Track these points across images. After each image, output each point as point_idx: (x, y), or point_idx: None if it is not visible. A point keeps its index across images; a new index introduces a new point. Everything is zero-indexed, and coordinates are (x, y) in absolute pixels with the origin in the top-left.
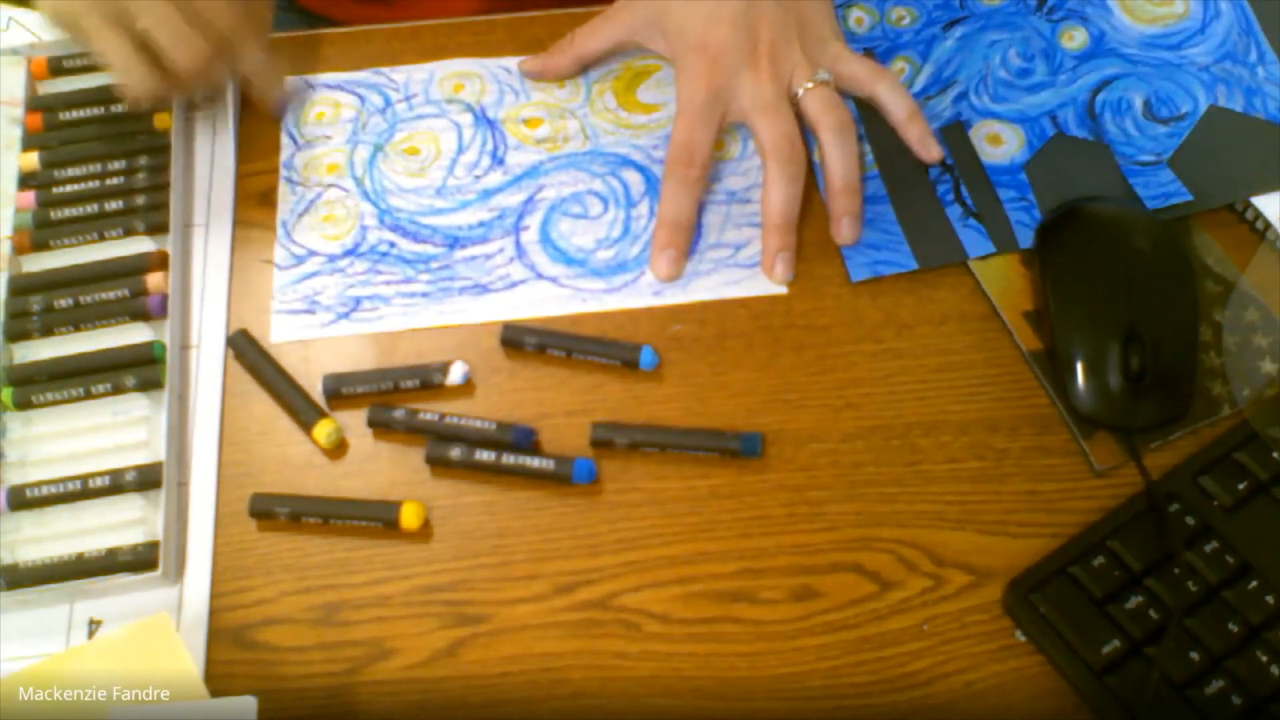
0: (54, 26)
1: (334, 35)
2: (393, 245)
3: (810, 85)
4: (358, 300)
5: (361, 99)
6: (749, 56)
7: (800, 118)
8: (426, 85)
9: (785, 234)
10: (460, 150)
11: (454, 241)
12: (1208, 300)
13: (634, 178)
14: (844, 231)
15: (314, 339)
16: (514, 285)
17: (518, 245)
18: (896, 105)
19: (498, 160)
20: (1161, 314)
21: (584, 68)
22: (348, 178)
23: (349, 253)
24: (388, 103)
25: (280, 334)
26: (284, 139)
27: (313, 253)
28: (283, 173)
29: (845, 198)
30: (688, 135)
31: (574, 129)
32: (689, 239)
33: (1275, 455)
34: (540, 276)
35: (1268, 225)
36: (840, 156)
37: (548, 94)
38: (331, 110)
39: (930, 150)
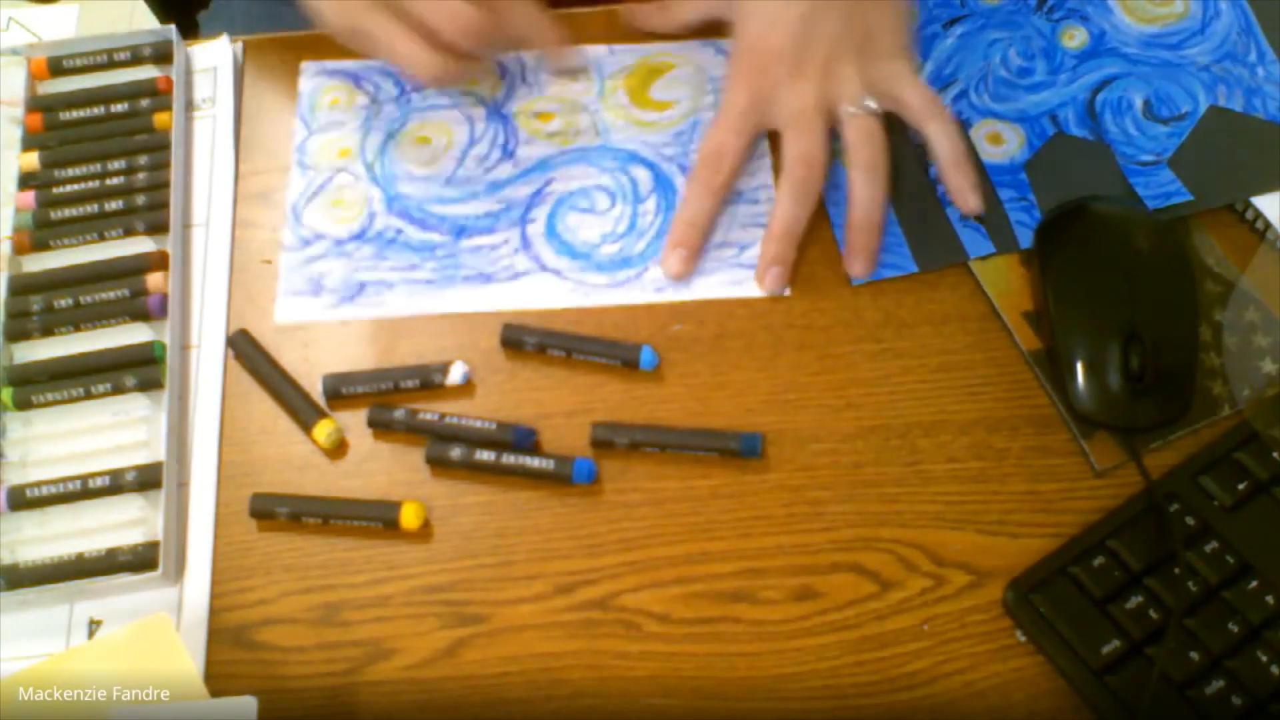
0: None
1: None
2: (400, 232)
3: (855, 111)
4: (363, 285)
5: (376, 87)
6: (798, 67)
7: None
8: None
9: (782, 246)
10: (471, 142)
11: (460, 231)
12: (1208, 300)
13: (643, 174)
14: (855, 266)
15: (315, 326)
16: (517, 276)
17: (523, 237)
18: (944, 147)
19: (508, 153)
20: (1161, 314)
21: (684, 29)
22: (358, 163)
23: (356, 237)
24: (401, 91)
25: (284, 315)
26: (296, 123)
27: (320, 236)
28: (294, 156)
29: (863, 234)
30: (720, 140)
31: (585, 123)
32: (703, 240)
33: (1275, 455)
34: (544, 269)
35: (1268, 225)
36: (866, 193)
37: (562, 88)
38: (345, 96)
39: (969, 201)
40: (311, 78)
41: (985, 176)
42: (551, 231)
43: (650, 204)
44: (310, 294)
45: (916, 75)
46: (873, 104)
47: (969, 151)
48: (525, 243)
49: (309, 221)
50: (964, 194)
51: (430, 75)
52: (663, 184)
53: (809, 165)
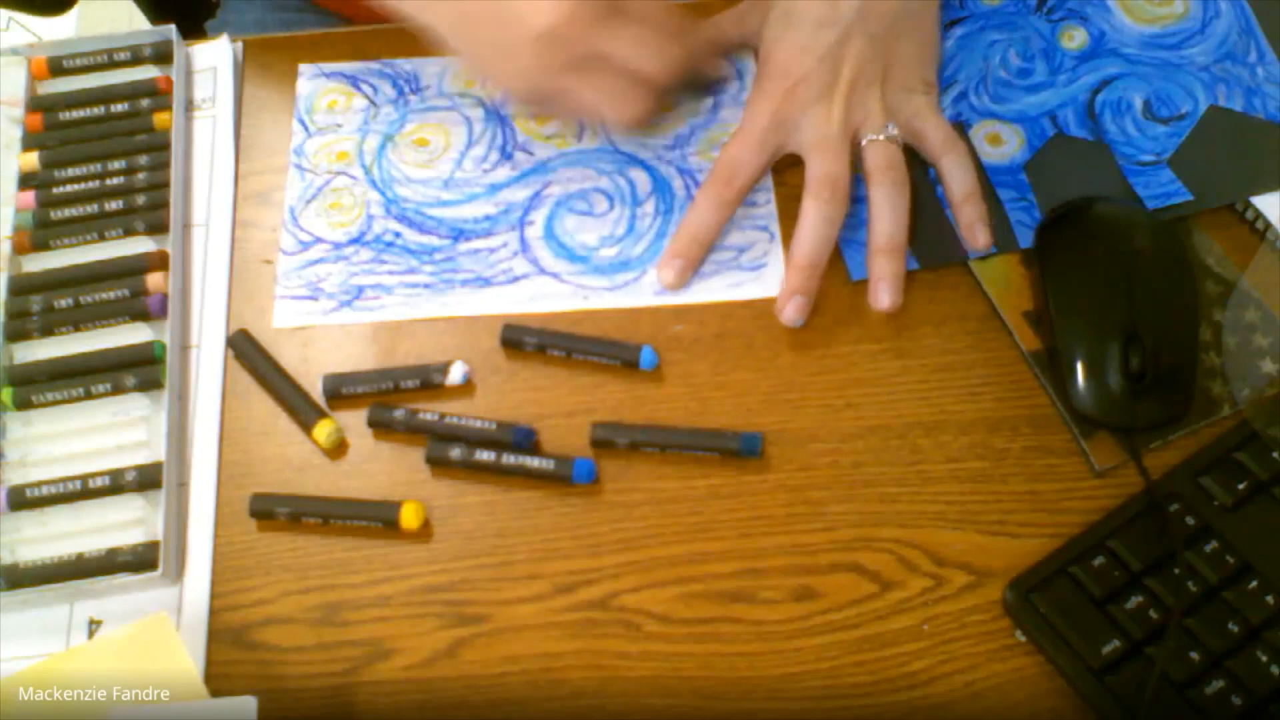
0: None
1: (343, 34)
2: (398, 235)
3: (877, 138)
4: (361, 289)
5: (374, 89)
6: (825, 93)
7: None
8: (439, 78)
9: (807, 277)
10: (470, 144)
11: (458, 234)
12: (1208, 300)
13: (641, 176)
14: (881, 296)
15: (315, 327)
16: (516, 280)
17: (522, 240)
18: (957, 182)
19: (506, 155)
20: (1161, 314)
21: (723, 53)
22: (356, 166)
23: (354, 241)
24: (400, 94)
25: (282, 319)
26: (295, 125)
27: (318, 239)
28: (292, 159)
29: (886, 259)
30: (735, 155)
31: (584, 126)
32: (703, 254)
33: (1275, 455)
34: (543, 272)
35: (1268, 225)
36: (888, 215)
37: None
38: (344, 99)
39: (978, 237)
40: (309, 80)
41: (985, 177)
42: (550, 234)
43: (649, 206)
44: (308, 298)
45: (938, 109)
46: (894, 130)
47: (979, 191)
48: (524, 246)
49: (307, 225)
50: (974, 229)
51: (639, 120)
52: (661, 187)
53: (834, 184)
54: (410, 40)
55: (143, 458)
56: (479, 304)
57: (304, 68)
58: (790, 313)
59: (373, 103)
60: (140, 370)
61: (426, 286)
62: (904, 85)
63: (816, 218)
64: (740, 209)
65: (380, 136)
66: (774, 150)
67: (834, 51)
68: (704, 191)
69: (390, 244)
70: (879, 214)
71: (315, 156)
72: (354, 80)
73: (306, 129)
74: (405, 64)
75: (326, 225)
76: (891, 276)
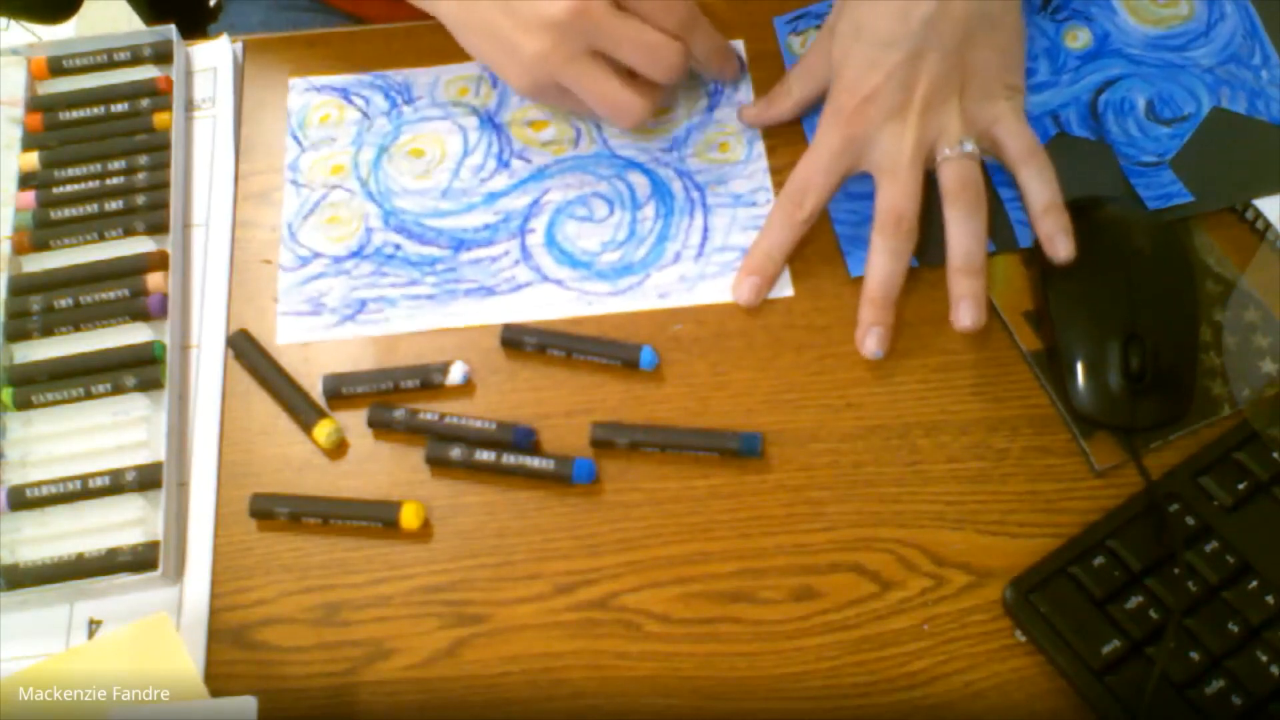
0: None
1: (342, 34)
2: (398, 247)
3: (952, 154)
4: (363, 302)
5: (366, 101)
6: (899, 110)
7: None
8: (431, 88)
9: (880, 309)
10: (465, 153)
11: (459, 244)
12: (1208, 300)
13: (640, 180)
14: (962, 316)
15: (318, 340)
16: (519, 288)
17: (523, 248)
18: (1037, 193)
19: (503, 163)
20: (1162, 314)
21: (805, 112)
22: (352, 179)
23: (354, 255)
24: (393, 105)
25: (286, 336)
26: (288, 141)
27: (318, 254)
28: (287, 175)
29: (964, 279)
30: (806, 177)
31: (580, 131)
32: (778, 272)
33: (1275, 455)
34: (546, 279)
35: (1268, 226)
36: (965, 235)
37: None
38: (336, 112)
39: (1059, 249)
40: (301, 94)
41: (987, 175)
42: (551, 241)
43: (649, 210)
44: (311, 314)
45: (1019, 116)
46: (970, 146)
47: (1060, 202)
48: (525, 254)
49: (305, 240)
50: (1054, 240)
51: (640, 120)
52: (660, 190)
53: (899, 217)
54: (407, 39)
55: (143, 458)
56: (483, 313)
57: (294, 82)
58: (870, 345)
59: (365, 115)
60: (140, 370)
61: (430, 298)
62: (984, 93)
63: (885, 253)
64: (740, 210)
65: (375, 148)
66: (845, 171)
67: (904, 68)
68: (775, 212)
69: (391, 256)
70: (956, 235)
71: (310, 171)
72: (345, 93)
73: (300, 144)
74: (396, 75)
75: (325, 240)
76: (972, 296)
